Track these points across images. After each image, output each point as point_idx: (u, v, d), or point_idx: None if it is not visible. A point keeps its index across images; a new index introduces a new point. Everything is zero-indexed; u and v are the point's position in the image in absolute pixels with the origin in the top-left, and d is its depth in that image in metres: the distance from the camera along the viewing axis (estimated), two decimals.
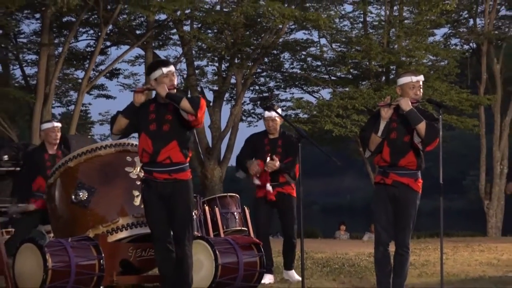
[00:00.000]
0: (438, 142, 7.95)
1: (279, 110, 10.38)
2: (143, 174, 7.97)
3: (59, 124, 10.90)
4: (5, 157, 18.44)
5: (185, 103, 7.53)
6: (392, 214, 8.07)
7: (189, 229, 7.87)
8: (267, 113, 10.23)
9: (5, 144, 19.66)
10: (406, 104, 7.92)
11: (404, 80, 8.16)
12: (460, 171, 51.37)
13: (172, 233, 7.81)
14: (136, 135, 8.05)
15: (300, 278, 9.41)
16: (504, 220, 28.14)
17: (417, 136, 7.92)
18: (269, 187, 10.05)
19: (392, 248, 8.14)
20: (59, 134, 10.90)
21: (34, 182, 10.76)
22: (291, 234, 10.27)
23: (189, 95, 26.32)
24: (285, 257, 10.38)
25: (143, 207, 8.09)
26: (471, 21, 30.15)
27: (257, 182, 10.11)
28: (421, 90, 8.15)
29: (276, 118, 10.11)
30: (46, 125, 11.07)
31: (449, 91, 26.08)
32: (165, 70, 7.71)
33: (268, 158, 9.98)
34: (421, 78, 8.18)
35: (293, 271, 10.25)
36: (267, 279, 9.95)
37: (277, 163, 9.96)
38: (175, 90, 7.77)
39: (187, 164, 7.80)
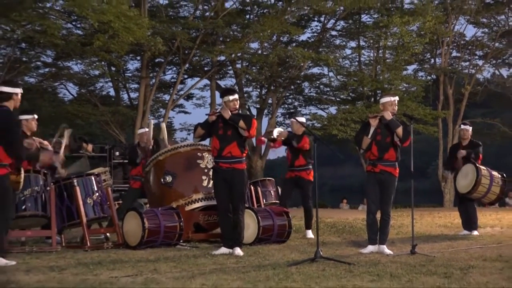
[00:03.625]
0: (410, 140, 7.93)
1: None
2: (213, 164, 8.04)
3: (147, 130, 10.94)
4: (117, 153, 18.68)
5: (241, 124, 7.66)
6: (379, 192, 8.03)
7: (243, 202, 7.94)
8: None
9: (117, 145, 20.00)
10: (388, 115, 7.95)
11: (385, 99, 8.17)
12: (425, 162, 50.71)
13: (231, 204, 7.84)
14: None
15: (313, 236, 9.44)
16: (455, 196, 27.76)
17: (396, 137, 7.91)
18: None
19: (378, 215, 8.10)
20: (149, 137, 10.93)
21: (135, 168, 10.83)
22: (306, 204, 10.11)
23: (240, 111, 26.35)
24: (305, 219, 10.28)
25: (213, 187, 8.12)
26: (432, 60, 29.90)
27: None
28: (396, 106, 8.17)
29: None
30: (140, 131, 11.25)
31: (417, 108, 25.81)
32: (231, 97, 7.87)
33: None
34: (396, 98, 8.25)
35: (309, 230, 10.17)
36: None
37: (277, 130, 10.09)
38: (236, 111, 7.87)
39: (244, 158, 7.88)
